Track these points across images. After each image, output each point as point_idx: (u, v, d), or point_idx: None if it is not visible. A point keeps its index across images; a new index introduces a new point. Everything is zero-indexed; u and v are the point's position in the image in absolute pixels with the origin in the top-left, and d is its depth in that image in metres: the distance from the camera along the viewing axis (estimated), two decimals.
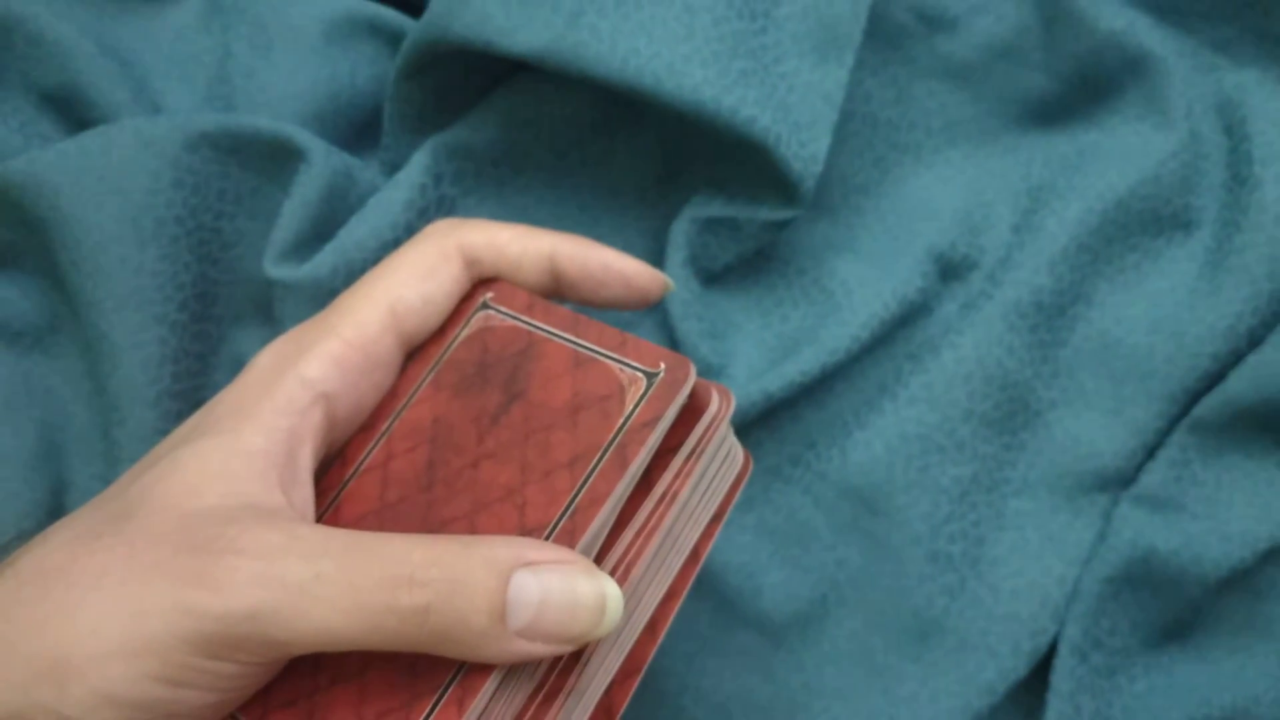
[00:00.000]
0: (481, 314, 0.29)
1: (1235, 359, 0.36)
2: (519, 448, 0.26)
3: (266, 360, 0.28)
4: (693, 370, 0.26)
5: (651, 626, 0.26)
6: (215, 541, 0.24)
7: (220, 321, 0.36)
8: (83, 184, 0.34)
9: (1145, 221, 0.38)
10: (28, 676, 0.24)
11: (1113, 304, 0.38)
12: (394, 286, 0.29)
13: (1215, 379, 0.36)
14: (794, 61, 0.35)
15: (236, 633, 0.23)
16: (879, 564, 0.36)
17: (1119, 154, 0.38)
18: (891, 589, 0.36)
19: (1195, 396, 0.37)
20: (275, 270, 0.34)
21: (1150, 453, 0.37)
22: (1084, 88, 0.39)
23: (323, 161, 0.35)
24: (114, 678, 0.23)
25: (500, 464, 0.26)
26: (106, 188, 0.34)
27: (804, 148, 0.35)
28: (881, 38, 0.39)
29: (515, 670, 0.23)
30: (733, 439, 0.27)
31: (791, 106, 0.35)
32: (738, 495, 0.27)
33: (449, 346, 0.29)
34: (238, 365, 0.36)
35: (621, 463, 0.24)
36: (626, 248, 0.38)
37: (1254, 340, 0.36)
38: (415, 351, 0.29)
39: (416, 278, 0.29)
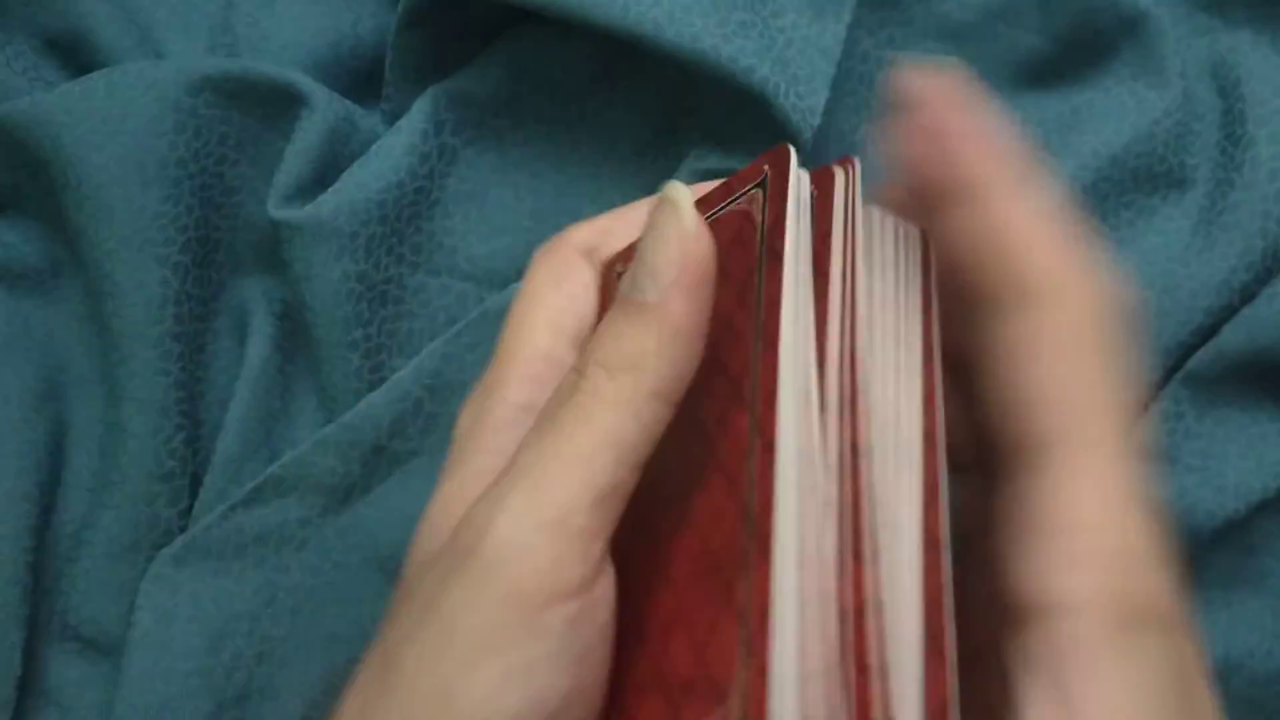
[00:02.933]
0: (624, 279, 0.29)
1: (1229, 313, 0.37)
2: None
3: (467, 413, 0.27)
4: (790, 151, 0.24)
5: (927, 435, 0.22)
6: (463, 527, 0.23)
7: (222, 268, 0.36)
8: (85, 126, 0.34)
9: (1140, 179, 0.38)
10: None
11: (1107, 260, 0.38)
12: (539, 302, 0.28)
13: (1209, 333, 0.37)
14: (792, 15, 0.36)
15: (524, 561, 0.21)
16: None
17: (1114, 113, 0.39)
18: None
19: (1189, 350, 0.37)
20: (278, 213, 0.34)
21: (1144, 406, 0.37)
22: (1079, 48, 0.40)
23: (325, 107, 0.35)
24: (463, 707, 0.21)
25: None
26: (109, 129, 0.34)
27: (802, 100, 0.35)
28: None
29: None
30: (894, 216, 0.24)
31: (790, 59, 0.35)
32: (934, 279, 0.24)
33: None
34: (240, 313, 0.36)
35: (776, 258, 0.23)
36: (625, 199, 0.38)
37: (1247, 295, 0.37)
38: None
39: (553, 286, 0.28)
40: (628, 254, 0.29)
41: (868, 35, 0.40)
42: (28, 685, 0.33)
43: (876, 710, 0.19)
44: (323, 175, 0.35)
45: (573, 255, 0.29)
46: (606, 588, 0.22)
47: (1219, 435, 0.36)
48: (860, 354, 0.22)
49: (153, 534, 0.34)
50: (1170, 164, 0.38)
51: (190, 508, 0.34)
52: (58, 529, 0.34)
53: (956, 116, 0.23)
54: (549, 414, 0.23)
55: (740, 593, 0.20)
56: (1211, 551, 0.36)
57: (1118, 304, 0.21)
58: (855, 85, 0.40)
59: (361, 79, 0.39)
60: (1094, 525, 0.20)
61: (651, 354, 0.22)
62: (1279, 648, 0.36)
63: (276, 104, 0.36)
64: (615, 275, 0.29)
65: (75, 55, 0.38)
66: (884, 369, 0.22)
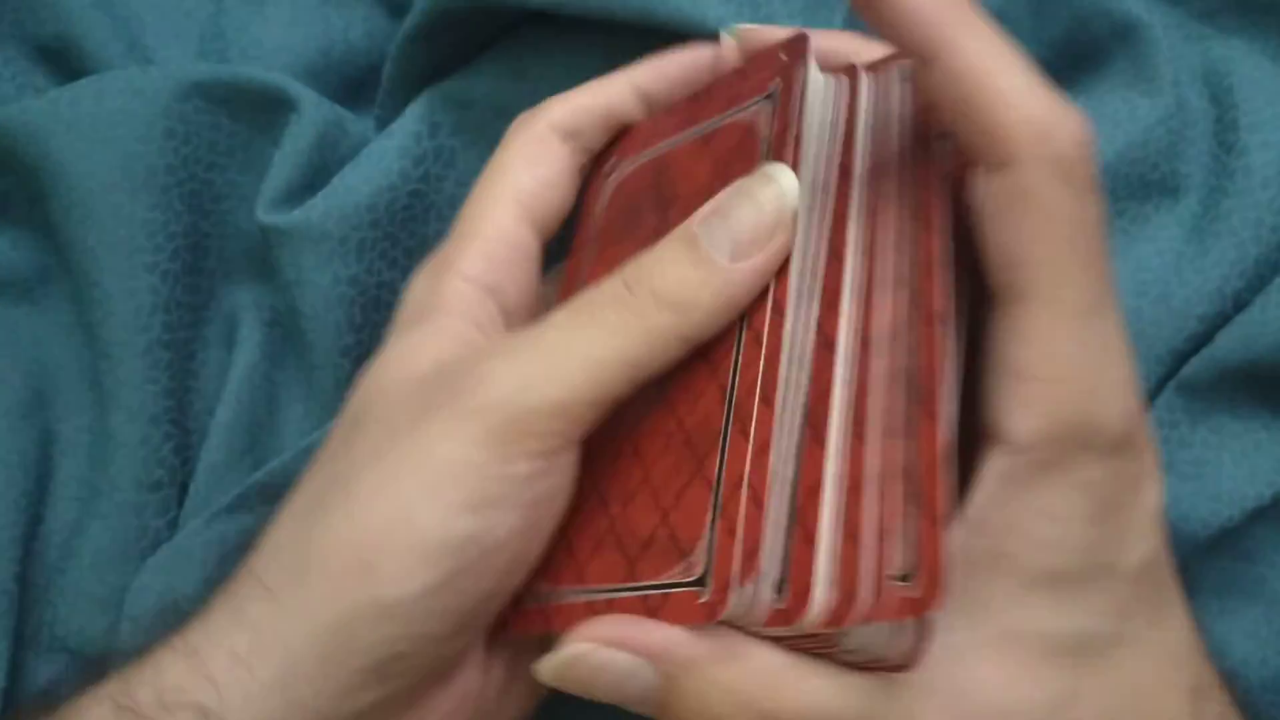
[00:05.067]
0: (611, 179, 0.30)
1: (1222, 321, 0.37)
2: None
3: (420, 283, 0.29)
4: (805, 51, 0.25)
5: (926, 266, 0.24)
6: (454, 374, 0.25)
7: (212, 275, 0.36)
8: (74, 132, 0.34)
9: (1133, 187, 0.38)
10: (333, 584, 0.24)
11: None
12: (509, 180, 0.29)
13: (1203, 341, 0.37)
14: (784, 18, 0.35)
15: (513, 417, 0.24)
16: None
17: (1107, 121, 0.39)
18: None
19: (1183, 358, 0.37)
20: (267, 217, 0.34)
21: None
22: (1072, 56, 0.40)
23: (314, 111, 0.35)
24: (421, 524, 0.24)
25: None
26: (98, 136, 0.34)
27: None
28: None
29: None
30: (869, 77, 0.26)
31: None
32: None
33: (594, 224, 0.30)
34: (230, 320, 0.36)
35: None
36: None
37: (1240, 303, 0.37)
38: (567, 253, 0.30)
39: (525, 166, 0.29)
40: (626, 148, 0.30)
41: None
42: (14, 697, 0.33)
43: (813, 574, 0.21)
44: (312, 180, 0.35)
45: (550, 136, 0.30)
46: (572, 462, 0.25)
47: (1213, 443, 0.36)
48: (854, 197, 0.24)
49: (141, 544, 0.34)
50: (1163, 171, 0.38)
51: (179, 517, 0.34)
52: (45, 539, 0.34)
53: None
54: (586, 308, 0.25)
55: (713, 467, 0.23)
56: (1206, 559, 0.36)
57: (1088, 153, 0.22)
58: None
59: (352, 84, 0.39)
60: (1042, 373, 0.22)
61: (702, 308, 0.24)
62: (1274, 656, 0.35)
63: (266, 109, 0.36)
64: (605, 175, 0.30)
65: (64, 62, 0.38)
66: (884, 203, 0.24)
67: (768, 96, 0.26)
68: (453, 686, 0.27)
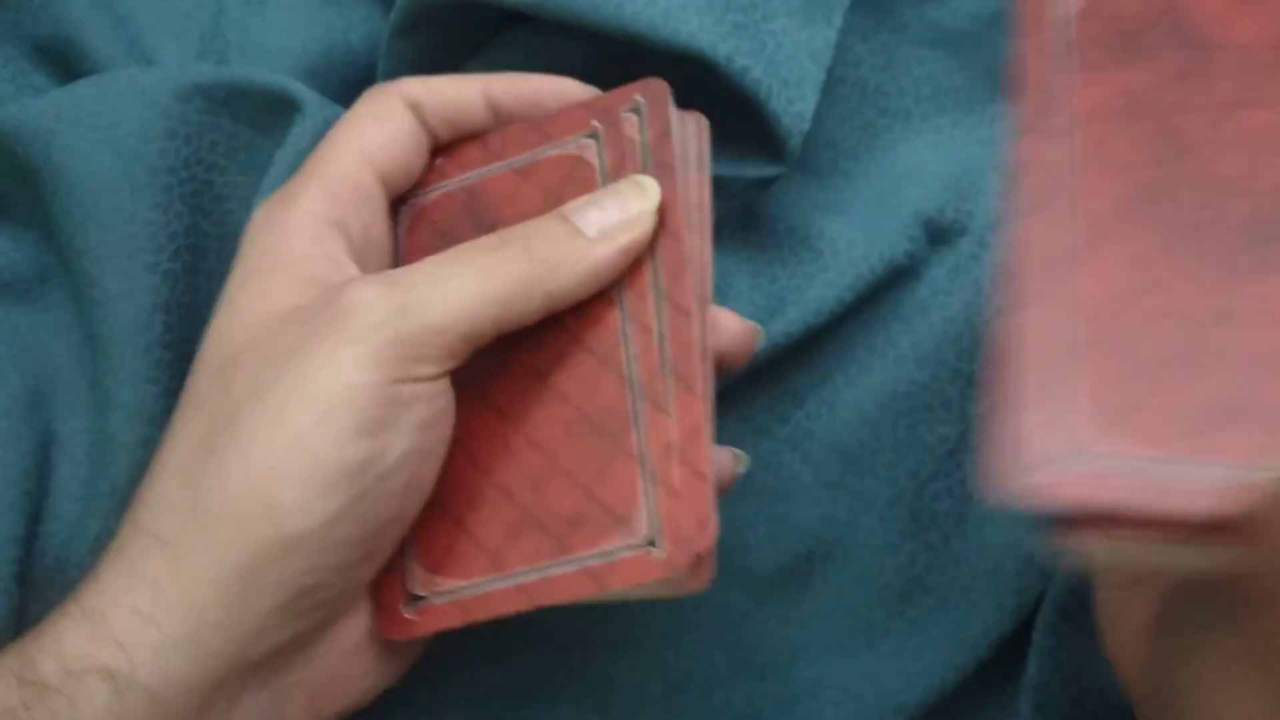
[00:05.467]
0: (405, 208, 0.32)
1: None
2: None
3: (261, 217, 0.30)
4: (626, 107, 0.30)
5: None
6: (325, 306, 0.26)
7: (212, 276, 0.36)
8: (75, 132, 0.34)
9: None
10: (234, 526, 0.25)
11: None
12: (353, 131, 0.30)
13: None
14: (783, 20, 0.36)
15: (395, 338, 0.25)
16: (864, 520, 0.36)
17: None
18: (876, 546, 0.36)
19: None
20: None
21: None
22: None
23: (316, 112, 0.35)
24: (317, 452, 0.25)
25: None
26: (99, 136, 0.34)
27: (791, 104, 0.35)
28: (872, 3, 0.39)
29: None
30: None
31: (780, 63, 0.35)
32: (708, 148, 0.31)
33: (398, 249, 0.32)
34: None
35: (667, 170, 0.29)
36: None
37: None
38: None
39: (372, 122, 0.30)
40: (419, 181, 0.32)
41: (860, 42, 0.40)
42: None
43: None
44: None
45: (399, 101, 0.31)
46: (449, 403, 0.27)
47: None
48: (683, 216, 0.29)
49: None
50: None
51: None
52: (46, 540, 0.34)
53: None
54: (459, 254, 0.28)
55: (632, 442, 0.27)
56: None
57: None
58: (848, 91, 0.40)
59: (353, 85, 0.38)
60: None
61: (566, 268, 0.27)
62: None
63: (267, 110, 0.36)
64: (401, 209, 0.32)
65: (65, 62, 0.38)
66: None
67: (590, 135, 0.30)
68: (359, 619, 0.27)
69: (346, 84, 0.39)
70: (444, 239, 0.31)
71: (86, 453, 0.35)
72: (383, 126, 0.31)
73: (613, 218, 0.28)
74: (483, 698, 0.35)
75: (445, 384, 0.27)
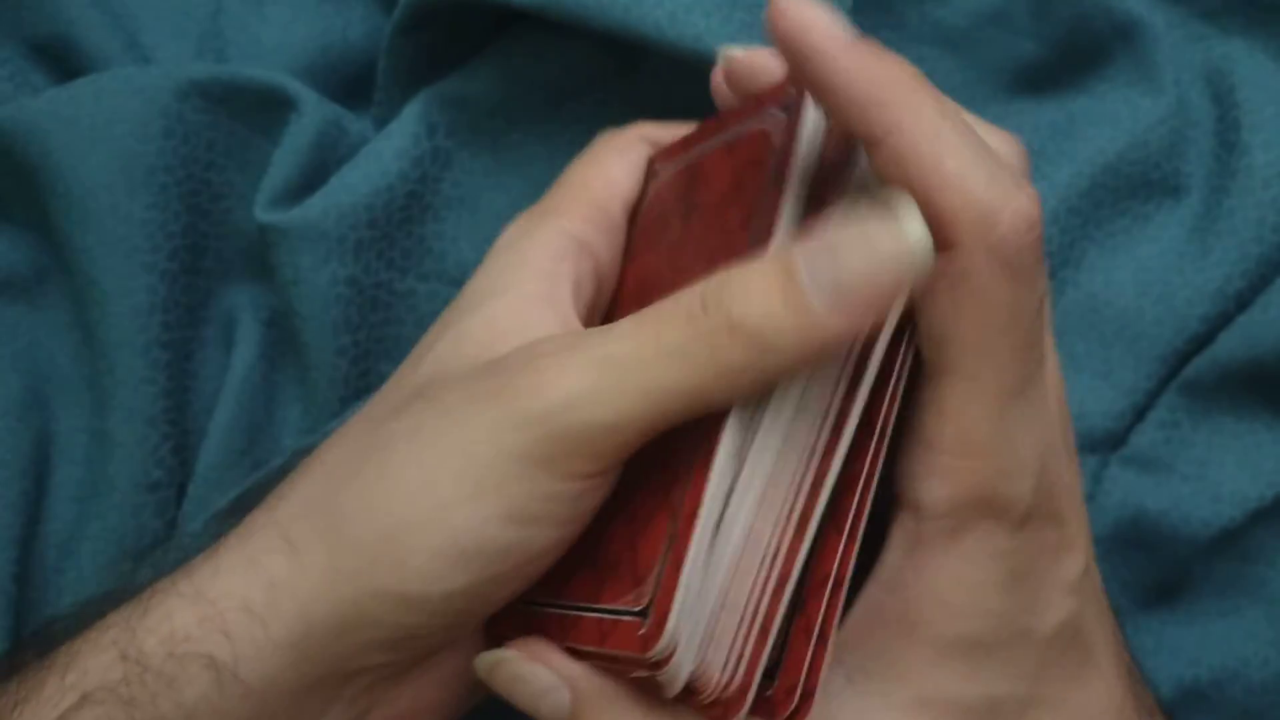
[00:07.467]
0: (653, 183, 0.30)
1: (1224, 321, 0.36)
2: (706, 242, 0.25)
3: (515, 230, 0.29)
4: (804, 103, 0.24)
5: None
6: (518, 362, 0.24)
7: (209, 275, 0.36)
8: (73, 131, 0.34)
9: (1134, 186, 0.38)
10: (361, 562, 0.23)
11: (1102, 267, 0.38)
12: (598, 165, 0.30)
13: (1204, 341, 0.37)
14: None
15: (563, 430, 0.22)
16: None
17: (1108, 120, 0.38)
18: None
19: (1184, 358, 0.37)
20: (265, 216, 0.34)
21: (1140, 414, 0.37)
22: (1073, 54, 0.39)
23: (313, 111, 0.35)
24: (458, 528, 0.23)
25: (694, 262, 0.25)
26: (96, 135, 0.34)
27: None
28: (873, 2, 0.39)
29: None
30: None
31: None
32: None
33: (636, 228, 0.30)
34: (227, 321, 0.36)
35: (779, 185, 0.24)
36: None
37: (1242, 303, 0.36)
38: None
39: (614, 154, 0.30)
40: (669, 150, 0.30)
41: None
42: None
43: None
44: (311, 180, 0.35)
45: (636, 137, 0.31)
46: (612, 482, 0.24)
47: (1215, 444, 0.36)
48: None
49: (140, 544, 0.34)
50: (1165, 171, 0.38)
51: (177, 518, 0.34)
52: (44, 539, 0.34)
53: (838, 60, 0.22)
54: (654, 323, 0.23)
55: (676, 494, 0.22)
56: (1208, 560, 0.36)
57: (1034, 236, 0.22)
58: None
59: (351, 83, 0.39)
60: (952, 448, 0.23)
61: (778, 353, 0.21)
62: (1275, 656, 0.35)
63: (265, 108, 0.35)
64: (650, 179, 0.30)
65: (62, 61, 0.37)
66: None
67: (784, 107, 0.25)
68: (451, 658, 0.27)
69: (345, 82, 0.38)
70: (661, 224, 0.28)
71: (84, 453, 0.35)
72: (627, 158, 0.30)
73: (853, 277, 0.21)
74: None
75: (610, 479, 0.24)
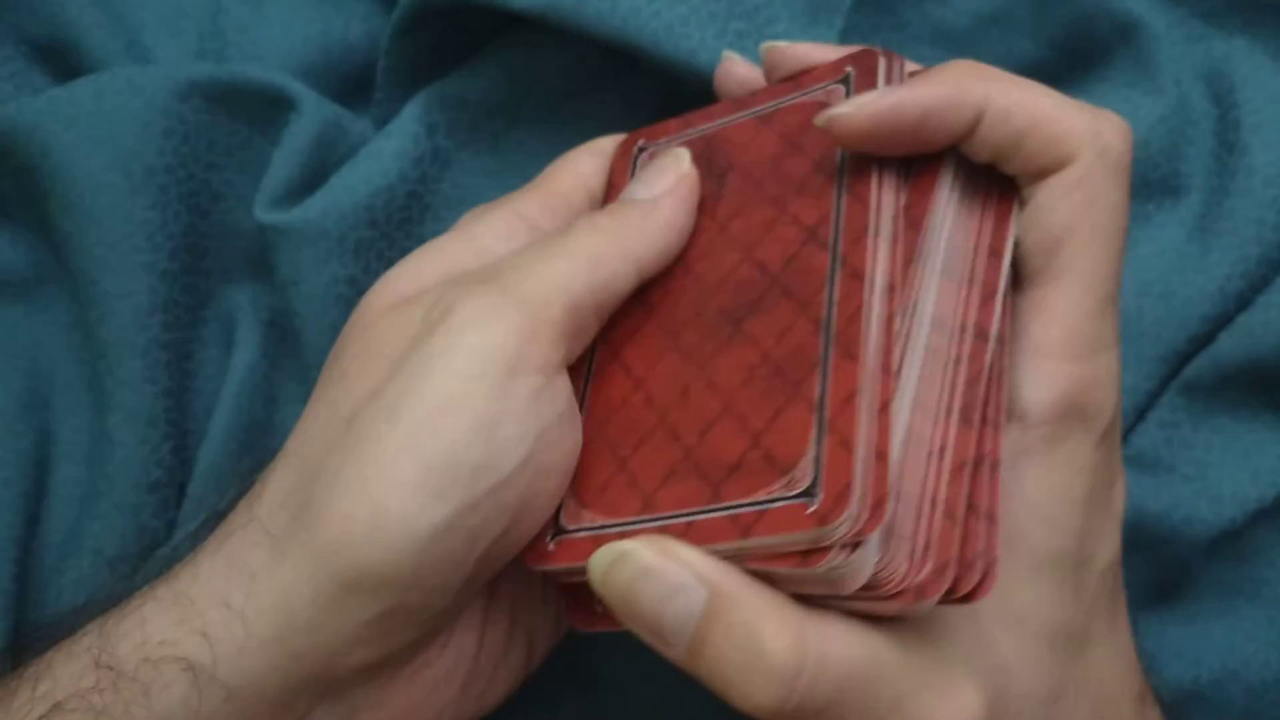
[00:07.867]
0: (643, 156, 0.31)
1: (1224, 321, 0.36)
2: (763, 190, 0.28)
3: (468, 215, 0.30)
4: (879, 56, 0.28)
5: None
6: (442, 292, 0.27)
7: (209, 275, 0.36)
8: (73, 131, 0.34)
9: (1134, 186, 0.38)
10: (339, 531, 0.23)
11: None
12: (568, 161, 0.31)
13: (1204, 341, 0.37)
14: (785, 23, 0.35)
15: (506, 325, 0.25)
16: None
17: None
18: None
19: (1185, 359, 0.37)
20: (265, 216, 0.34)
21: (1140, 414, 0.37)
22: (1073, 54, 0.39)
23: (313, 111, 0.35)
24: (430, 453, 0.24)
25: (752, 212, 0.28)
26: (97, 135, 0.34)
27: None
28: (873, 2, 0.39)
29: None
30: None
31: None
32: None
33: (612, 189, 0.31)
34: (228, 321, 0.36)
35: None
36: None
37: (1242, 303, 0.36)
38: None
39: (588, 154, 0.31)
40: (652, 132, 0.32)
41: (861, 41, 0.40)
42: None
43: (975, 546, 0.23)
44: (311, 180, 0.35)
45: (611, 140, 0.32)
46: (565, 384, 0.26)
47: (1215, 444, 0.36)
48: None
49: (140, 545, 0.34)
50: (1165, 171, 0.38)
51: (177, 518, 0.34)
52: (44, 540, 0.34)
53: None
54: (553, 236, 0.27)
55: (813, 389, 0.24)
56: (1208, 561, 0.36)
57: (1130, 146, 0.26)
58: None
59: (351, 83, 0.39)
60: (1061, 351, 0.25)
61: (634, 227, 0.27)
62: (1275, 657, 0.35)
63: (265, 108, 0.35)
64: (636, 151, 0.32)
65: (63, 61, 0.37)
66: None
67: (841, 80, 0.28)
68: (448, 649, 0.27)
69: (345, 82, 0.39)
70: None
71: (85, 453, 0.35)
72: (596, 157, 0.31)
73: (654, 180, 0.28)
74: None
75: (562, 385, 0.26)
